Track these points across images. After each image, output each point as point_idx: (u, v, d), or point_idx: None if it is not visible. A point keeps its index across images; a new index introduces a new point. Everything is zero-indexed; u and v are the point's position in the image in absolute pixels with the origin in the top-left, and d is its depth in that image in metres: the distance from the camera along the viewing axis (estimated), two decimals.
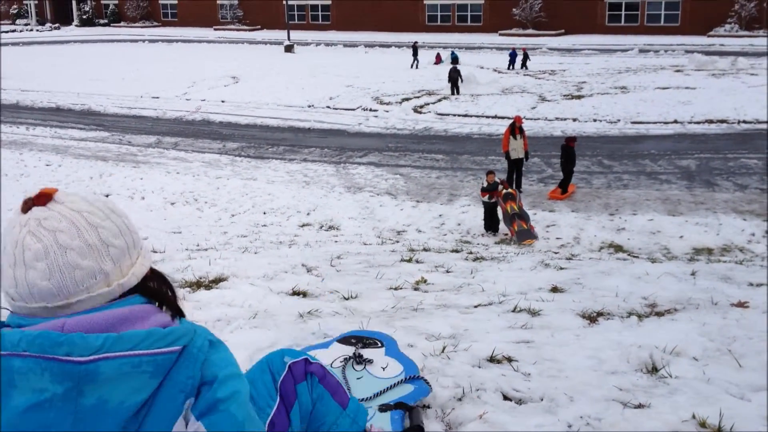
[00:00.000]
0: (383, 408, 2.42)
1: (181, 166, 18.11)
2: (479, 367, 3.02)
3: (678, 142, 19.00)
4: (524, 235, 11.94)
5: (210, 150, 20.07)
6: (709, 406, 2.57)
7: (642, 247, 11.34)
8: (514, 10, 52.41)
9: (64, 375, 1.16)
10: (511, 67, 34.57)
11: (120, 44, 54.01)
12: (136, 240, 1.38)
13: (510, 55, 34.99)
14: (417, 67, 35.60)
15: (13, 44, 53.54)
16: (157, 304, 1.38)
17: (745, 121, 20.72)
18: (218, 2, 65.44)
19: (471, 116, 23.38)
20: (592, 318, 3.92)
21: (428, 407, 2.63)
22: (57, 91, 30.34)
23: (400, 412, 2.43)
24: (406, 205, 14.44)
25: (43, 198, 1.29)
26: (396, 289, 4.89)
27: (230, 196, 15.44)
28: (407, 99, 26.62)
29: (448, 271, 5.89)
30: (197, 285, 4.85)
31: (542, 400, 2.70)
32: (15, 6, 75.72)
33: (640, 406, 2.62)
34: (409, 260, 6.66)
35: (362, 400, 2.45)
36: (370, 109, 24.95)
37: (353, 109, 25.14)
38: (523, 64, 34.56)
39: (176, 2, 68.63)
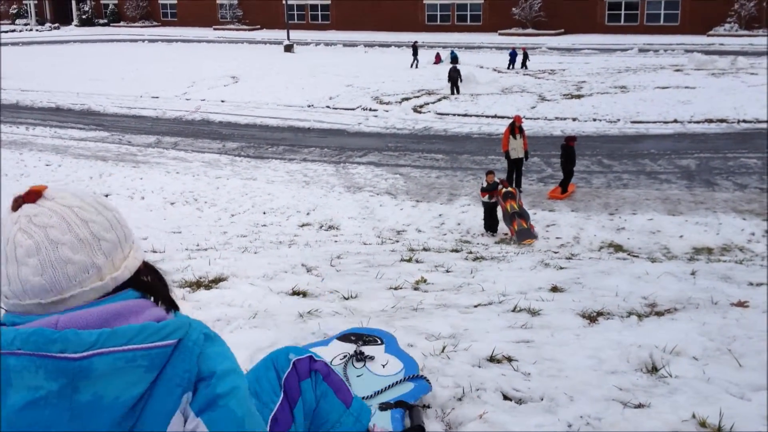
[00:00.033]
0: (383, 406, 2.42)
1: (181, 166, 18.11)
2: (479, 366, 3.01)
3: (678, 142, 19.01)
4: (524, 234, 11.94)
5: (210, 150, 20.06)
6: (709, 405, 2.57)
7: (642, 246, 11.34)
8: (513, 9, 52.42)
9: (59, 372, 1.16)
10: (511, 66, 34.56)
11: (119, 44, 54.01)
12: (127, 234, 1.39)
13: (510, 54, 34.98)
14: (417, 67, 35.60)
15: (13, 44, 53.53)
16: (152, 298, 1.38)
17: (744, 121, 20.73)
18: (218, 2, 65.43)
19: (471, 116, 23.38)
20: (592, 318, 3.92)
21: (428, 407, 2.62)
22: (57, 91, 30.33)
23: (401, 410, 2.42)
24: (405, 204, 14.44)
25: (33, 195, 1.29)
26: (396, 288, 4.88)
27: (230, 195, 15.44)
28: (407, 99, 26.62)
29: (447, 271, 5.89)
30: (197, 285, 4.85)
31: (542, 399, 2.69)
32: (14, 6, 75.71)
33: (640, 405, 2.62)
34: (409, 260, 6.65)
35: (362, 398, 2.45)
36: (370, 109, 24.95)
37: (353, 109, 25.14)
38: (523, 64, 34.56)
39: (176, 2, 68.62)
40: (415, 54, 36.11)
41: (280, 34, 53.13)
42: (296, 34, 51.52)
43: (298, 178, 16.73)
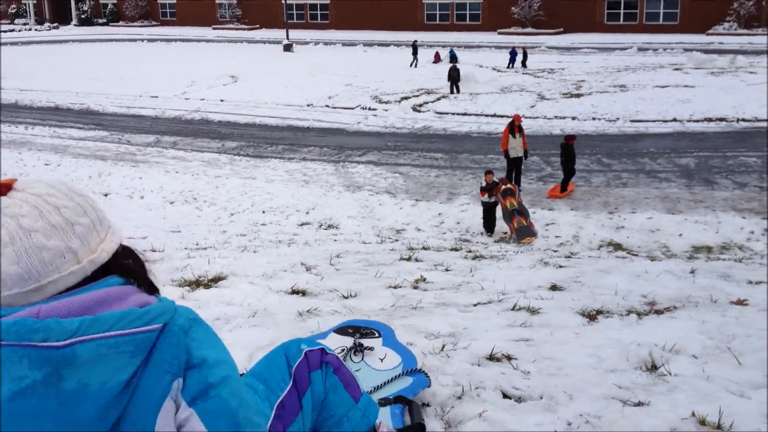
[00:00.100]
0: (382, 402, 2.41)
1: (180, 166, 18.10)
2: (479, 365, 3.01)
3: (677, 141, 19.01)
4: (524, 232, 11.94)
5: (209, 149, 20.06)
6: (709, 403, 2.57)
7: (641, 245, 11.34)
8: (513, 8, 52.41)
9: (42, 361, 1.16)
10: (511, 65, 34.54)
11: (119, 44, 53.99)
12: (102, 218, 1.39)
13: (510, 53, 34.96)
14: (416, 66, 35.59)
15: (12, 44, 53.51)
16: (135, 284, 1.38)
17: (744, 119, 20.73)
18: (217, 1, 65.41)
19: (470, 115, 23.38)
20: (592, 316, 3.92)
21: (428, 405, 2.62)
22: (56, 91, 30.32)
23: (400, 406, 2.42)
24: (405, 203, 14.44)
25: (3, 188, 1.30)
26: (395, 287, 4.88)
27: (229, 195, 15.43)
28: (406, 98, 26.62)
29: (447, 270, 5.89)
30: (196, 284, 4.85)
31: (542, 398, 2.69)
32: (14, 5, 75.68)
33: (639, 404, 2.62)
34: (409, 259, 6.66)
35: None
36: (369, 108, 24.94)
37: (352, 108, 25.14)
38: (522, 63, 34.55)
39: (175, 1, 68.59)
40: (414, 53, 36.10)
41: (279, 34, 53.10)
42: (295, 34, 51.51)
43: (297, 177, 16.73)
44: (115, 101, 27.96)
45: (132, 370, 1.22)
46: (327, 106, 25.84)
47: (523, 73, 32.50)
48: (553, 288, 4.86)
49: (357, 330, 2.96)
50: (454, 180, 16.15)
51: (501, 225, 12.62)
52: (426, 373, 2.67)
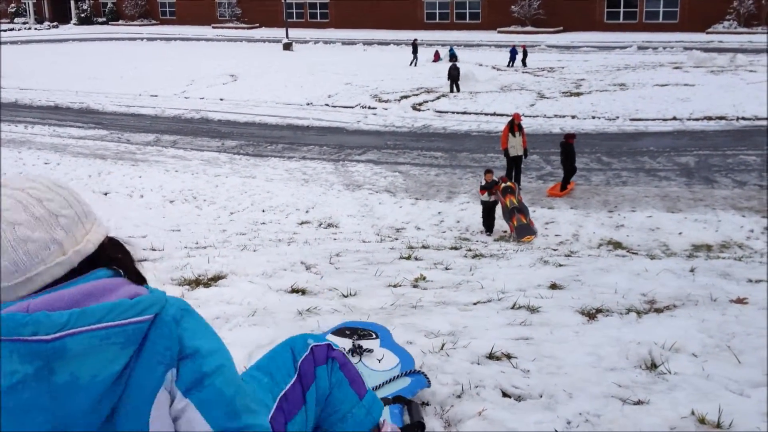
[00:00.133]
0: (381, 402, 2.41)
1: (180, 165, 18.10)
2: (478, 364, 3.01)
3: (677, 139, 19.00)
4: (523, 231, 11.94)
5: (209, 148, 20.05)
6: (709, 402, 2.56)
7: (641, 243, 11.35)
8: (512, 7, 52.39)
9: (33, 355, 1.17)
10: (511, 64, 34.52)
11: (118, 42, 53.97)
12: (87, 211, 1.39)
13: (510, 52, 34.94)
14: (416, 65, 35.58)
15: (12, 43, 53.48)
16: (124, 276, 1.38)
17: (743, 118, 20.72)
18: (216, 0, 65.38)
19: (470, 113, 23.38)
20: (591, 315, 3.92)
21: (427, 404, 2.62)
22: (55, 90, 30.31)
23: (399, 406, 2.42)
24: (405, 202, 14.43)
25: None
26: (395, 286, 4.88)
27: (229, 194, 15.43)
28: (406, 96, 26.61)
29: (447, 269, 5.89)
30: (196, 283, 4.85)
31: (541, 396, 2.69)
32: (13, 4, 75.64)
33: (639, 402, 2.62)
34: (408, 257, 6.66)
35: None
36: (369, 107, 24.94)
37: (352, 107, 25.13)
38: (522, 62, 34.53)
39: (174, 0, 68.56)
40: (414, 52, 36.09)
41: (279, 33, 53.09)
42: (295, 33, 51.49)
43: (297, 176, 16.73)
44: (115, 100, 27.95)
45: (124, 362, 1.22)
46: (327, 104, 25.83)
47: (523, 72, 32.49)
48: (553, 287, 4.86)
49: (354, 332, 2.96)
50: (454, 179, 16.15)
51: (501, 224, 12.62)
52: (425, 374, 2.67)
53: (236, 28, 62.88)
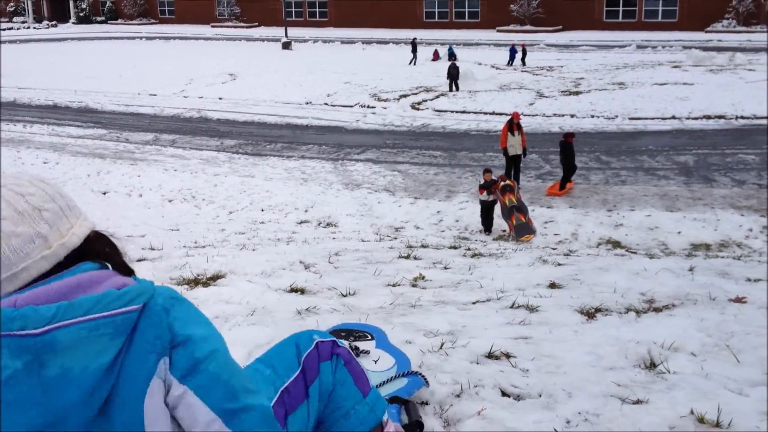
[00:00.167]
0: None
1: (179, 164, 18.09)
2: (477, 363, 3.01)
3: (676, 138, 19.01)
4: (522, 230, 11.95)
5: (208, 147, 20.04)
6: (708, 401, 2.56)
7: (640, 242, 11.35)
8: (511, 6, 52.39)
9: (22, 349, 1.16)
10: (510, 63, 34.51)
11: (117, 41, 53.92)
12: (71, 205, 1.39)
13: (510, 51, 34.93)
14: (415, 64, 35.56)
15: (10, 42, 53.42)
16: (111, 268, 1.38)
17: (742, 117, 20.73)
18: None
19: (469, 113, 23.37)
20: (590, 314, 3.91)
21: (426, 403, 2.62)
22: (54, 89, 30.29)
23: (396, 406, 2.41)
24: (404, 201, 14.44)
25: None
26: (394, 285, 4.88)
27: (228, 193, 15.43)
28: (405, 96, 26.60)
29: (446, 268, 5.89)
30: (195, 282, 4.85)
31: (540, 396, 2.69)
32: (12, 3, 75.56)
33: (638, 401, 2.62)
34: (407, 257, 6.65)
35: None
36: (368, 106, 24.94)
37: (351, 106, 25.13)
38: (522, 60, 34.52)
39: None
40: (414, 51, 36.07)
41: (278, 32, 53.05)
42: (294, 32, 51.45)
43: (296, 176, 16.72)
44: (114, 99, 27.93)
45: (114, 352, 1.22)
46: (326, 104, 25.82)
47: (522, 71, 32.49)
48: (552, 286, 4.86)
49: (350, 333, 2.95)
50: (453, 178, 16.15)
51: (500, 223, 12.62)
52: (421, 374, 2.66)
53: (235, 27, 62.83)
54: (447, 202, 14.25)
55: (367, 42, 48.38)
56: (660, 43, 41.27)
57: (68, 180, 16.48)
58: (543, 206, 13.69)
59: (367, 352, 2.76)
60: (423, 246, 8.68)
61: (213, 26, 63.82)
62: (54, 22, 71.64)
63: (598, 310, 3.99)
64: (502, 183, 12.72)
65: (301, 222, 13.30)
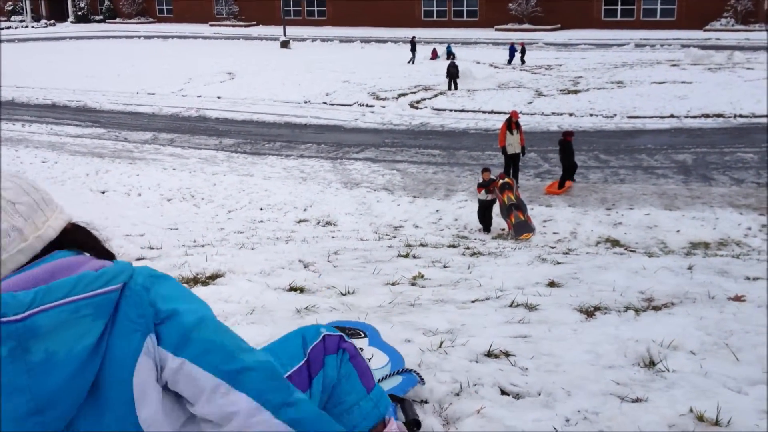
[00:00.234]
0: None
1: (178, 163, 18.08)
2: (477, 361, 3.01)
3: (674, 137, 19.02)
4: (522, 228, 11.95)
5: (206, 146, 20.03)
6: (707, 399, 2.56)
7: (639, 241, 11.35)
8: (510, 5, 52.38)
9: (4, 336, 1.17)
10: (510, 61, 34.49)
11: (115, 40, 53.87)
12: (46, 198, 1.40)
13: (510, 49, 34.91)
14: (413, 63, 35.55)
15: (9, 41, 53.35)
16: (88, 255, 1.38)
17: (741, 116, 20.75)
18: None
19: (467, 111, 23.37)
20: (590, 312, 3.91)
21: (426, 402, 2.62)
22: (53, 88, 30.26)
23: (392, 405, 2.41)
24: (403, 200, 14.44)
25: None
26: (393, 284, 4.88)
27: (227, 192, 15.42)
28: (404, 94, 26.60)
29: (445, 267, 5.89)
30: (194, 281, 4.85)
31: (540, 394, 2.69)
32: (10, 2, 75.45)
33: (637, 400, 2.62)
34: (406, 255, 6.65)
35: None
36: (367, 105, 24.93)
37: (350, 105, 25.12)
38: (521, 59, 34.51)
39: None
40: (413, 49, 36.05)
41: (276, 30, 53.02)
42: (292, 30, 51.41)
43: (295, 174, 16.72)
44: (112, 98, 27.91)
45: (97, 333, 1.22)
46: (324, 102, 25.81)
47: (521, 70, 32.49)
48: (551, 284, 4.86)
49: (343, 331, 2.94)
50: (452, 177, 16.15)
51: (499, 221, 12.62)
52: (415, 372, 2.65)
53: (233, 26, 62.78)
54: (446, 201, 14.25)
55: (366, 41, 48.36)
56: (658, 42, 41.27)
57: (67, 179, 16.48)
58: (542, 205, 13.69)
59: (361, 350, 2.75)
60: (422, 245, 8.68)
61: (211, 25, 63.77)
62: (52, 21, 71.57)
63: (597, 308, 3.99)
64: (501, 181, 12.72)
65: (300, 221, 13.29)
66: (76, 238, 1.40)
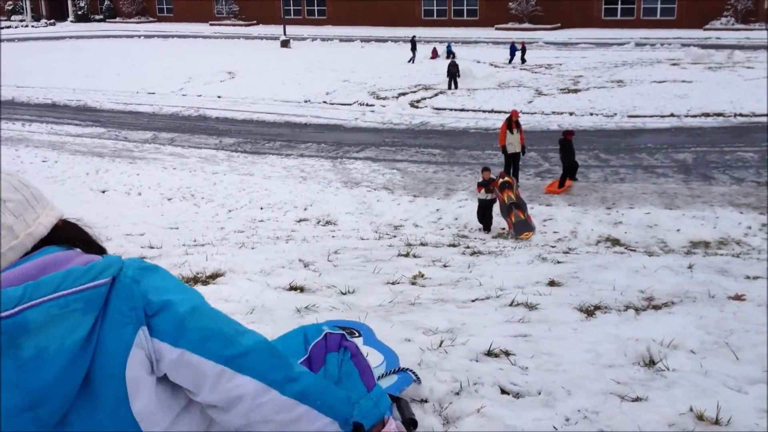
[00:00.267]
0: None
1: (178, 162, 18.08)
2: (477, 361, 3.01)
3: (674, 136, 19.01)
4: (522, 227, 11.95)
5: (206, 145, 20.03)
6: (707, 398, 2.56)
7: (639, 240, 11.35)
8: (510, 4, 52.37)
9: None
10: (511, 60, 34.47)
11: (115, 40, 53.87)
12: (36, 195, 1.40)
13: (510, 48, 34.90)
14: (413, 62, 35.54)
15: (9, 40, 53.34)
16: (78, 250, 1.38)
17: (741, 114, 20.74)
18: None
19: (467, 110, 23.36)
20: (590, 311, 3.91)
21: (425, 401, 2.62)
22: (53, 87, 30.26)
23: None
24: (403, 199, 14.43)
25: None
26: (393, 283, 4.88)
27: (227, 191, 15.42)
28: (404, 94, 26.59)
29: (445, 266, 5.89)
30: (194, 280, 4.85)
31: (540, 393, 2.69)
32: (10, 2, 75.43)
33: (637, 399, 2.62)
34: (407, 255, 6.65)
35: None
36: (367, 104, 24.93)
37: (350, 104, 25.12)
38: (521, 58, 34.50)
39: None
40: (413, 49, 36.04)
41: (276, 30, 53.01)
42: (292, 30, 51.40)
43: (295, 174, 16.72)
44: (112, 98, 27.91)
45: (88, 328, 1.22)
46: (324, 102, 25.81)
47: (521, 69, 32.48)
48: (551, 284, 4.86)
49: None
50: (452, 176, 16.15)
51: (499, 221, 12.62)
52: (411, 371, 2.65)
53: (234, 25, 62.77)
54: (446, 200, 14.25)
55: (366, 40, 48.35)
56: (658, 41, 41.26)
57: (67, 179, 16.48)
58: (542, 204, 13.69)
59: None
60: (422, 244, 8.68)
61: (211, 24, 63.76)
62: (52, 21, 71.56)
63: (597, 307, 3.99)
64: (501, 180, 12.72)
65: (300, 220, 13.29)
66: (67, 234, 1.40)
